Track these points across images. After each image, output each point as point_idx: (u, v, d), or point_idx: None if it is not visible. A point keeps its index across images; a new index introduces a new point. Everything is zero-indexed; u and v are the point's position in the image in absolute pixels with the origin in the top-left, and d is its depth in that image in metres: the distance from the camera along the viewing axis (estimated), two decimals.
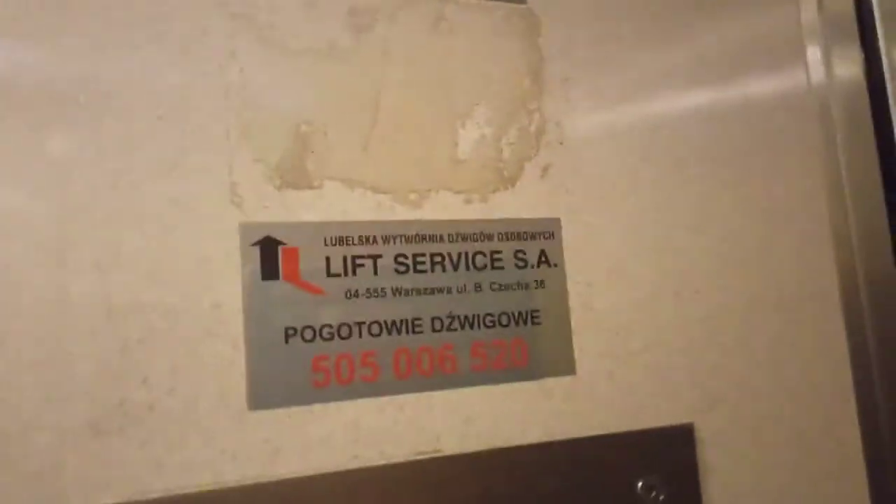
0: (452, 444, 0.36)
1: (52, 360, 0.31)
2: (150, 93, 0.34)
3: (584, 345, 0.38)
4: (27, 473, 0.30)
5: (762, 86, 0.48)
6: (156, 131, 0.33)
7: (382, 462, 0.34)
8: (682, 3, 0.46)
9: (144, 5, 0.34)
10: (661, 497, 0.39)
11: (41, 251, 0.31)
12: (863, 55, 0.57)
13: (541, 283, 0.38)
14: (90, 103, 0.33)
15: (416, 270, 0.36)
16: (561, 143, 0.40)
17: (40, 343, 0.31)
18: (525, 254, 0.38)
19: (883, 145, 0.55)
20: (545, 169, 0.39)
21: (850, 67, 0.56)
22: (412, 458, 0.35)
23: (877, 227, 0.52)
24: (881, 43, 0.58)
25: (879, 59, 0.58)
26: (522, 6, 0.41)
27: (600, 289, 0.39)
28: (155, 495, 0.31)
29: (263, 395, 0.33)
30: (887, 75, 0.57)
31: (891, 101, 0.57)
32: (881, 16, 0.60)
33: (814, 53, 0.53)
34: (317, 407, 0.34)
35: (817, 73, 0.52)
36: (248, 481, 0.32)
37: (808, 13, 0.56)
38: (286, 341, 0.34)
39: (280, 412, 0.33)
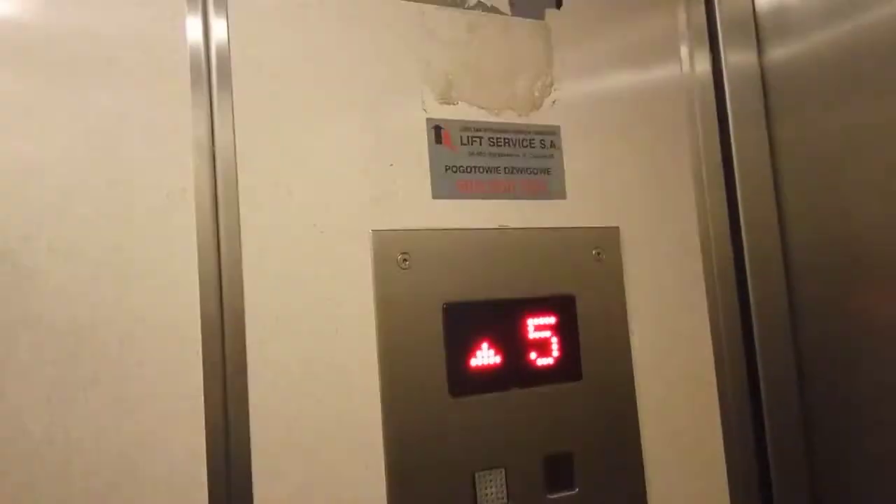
0: (514, 224, 0.80)
1: None
2: None
3: (573, 182, 0.83)
4: None
5: (651, 74, 0.90)
6: None
7: (484, 226, 0.78)
8: (606, 4, 0.87)
9: None
10: (603, 255, 0.84)
11: None
12: (711, 55, 0.91)
13: (551, 154, 0.83)
14: None
15: (497, 144, 0.80)
16: (559, 93, 0.85)
17: None
18: (544, 141, 0.83)
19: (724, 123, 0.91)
20: (553, 102, 0.84)
21: (703, 64, 0.91)
22: (496, 226, 0.79)
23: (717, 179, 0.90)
24: (720, 46, 0.91)
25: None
26: (541, 21, 0.85)
27: (580, 154, 0.84)
28: None
29: (440, 191, 0.76)
30: (724, 70, 0.91)
31: (726, 90, 0.91)
32: (721, 24, 0.91)
33: (683, 52, 0.90)
34: (460, 201, 0.77)
35: (686, 67, 0.90)
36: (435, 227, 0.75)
37: (681, 20, 0.90)
38: (445, 171, 0.77)
39: (447, 200, 0.76)
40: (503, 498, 0.73)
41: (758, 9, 0.92)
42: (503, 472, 0.74)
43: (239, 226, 0.67)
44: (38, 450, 0.59)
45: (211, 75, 0.68)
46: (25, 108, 0.62)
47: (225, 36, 0.69)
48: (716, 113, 0.90)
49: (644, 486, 0.80)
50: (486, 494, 0.72)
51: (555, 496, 0.75)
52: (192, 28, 0.68)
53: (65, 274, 0.61)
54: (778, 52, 0.90)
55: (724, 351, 0.86)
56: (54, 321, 0.60)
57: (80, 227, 0.62)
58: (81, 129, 0.63)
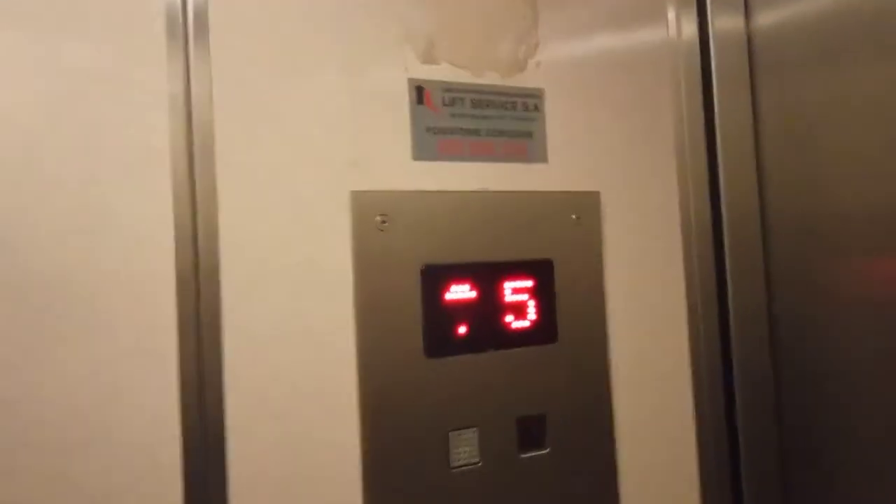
0: (494, 187, 0.79)
1: None
2: None
3: (555, 146, 0.83)
4: None
5: (637, 38, 0.89)
6: None
7: (465, 189, 0.78)
8: None
9: None
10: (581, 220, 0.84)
11: None
12: (698, 19, 0.90)
13: (534, 118, 0.82)
14: None
15: (479, 106, 0.79)
16: (543, 56, 0.83)
17: None
18: (527, 104, 0.82)
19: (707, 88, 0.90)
20: (537, 64, 0.83)
21: (689, 28, 0.90)
22: (476, 189, 0.78)
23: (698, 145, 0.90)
24: (708, 10, 0.90)
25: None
26: None
27: (563, 117, 0.83)
28: None
29: (420, 152, 0.76)
30: (711, 35, 0.90)
31: (712, 55, 0.90)
32: None
33: (671, 16, 0.89)
34: (440, 163, 0.77)
35: (672, 30, 0.89)
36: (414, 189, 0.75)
37: None
38: (426, 132, 0.76)
39: (427, 162, 0.76)
40: (475, 456, 0.75)
41: None
42: (476, 432, 0.75)
43: (215, 184, 0.66)
44: (8, 409, 0.59)
45: (188, 32, 0.66)
46: None
47: None
48: (700, 78, 0.89)
49: (614, 449, 0.82)
50: (459, 453, 0.74)
51: (526, 455, 0.77)
52: None
53: (31, 231, 0.60)
54: (765, 18, 0.90)
55: (699, 318, 0.87)
56: (21, 279, 0.59)
57: (47, 184, 0.61)
58: (49, 83, 0.62)
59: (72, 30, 0.63)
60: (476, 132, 0.78)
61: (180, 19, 0.66)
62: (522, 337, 0.78)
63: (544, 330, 0.79)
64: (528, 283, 0.78)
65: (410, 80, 0.75)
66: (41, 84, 0.61)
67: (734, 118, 0.91)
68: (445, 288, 0.74)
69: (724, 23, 0.91)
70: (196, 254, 0.65)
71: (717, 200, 0.90)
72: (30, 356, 0.60)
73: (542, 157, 0.81)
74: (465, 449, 0.74)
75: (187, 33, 0.67)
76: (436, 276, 0.74)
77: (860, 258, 0.80)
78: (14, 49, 0.61)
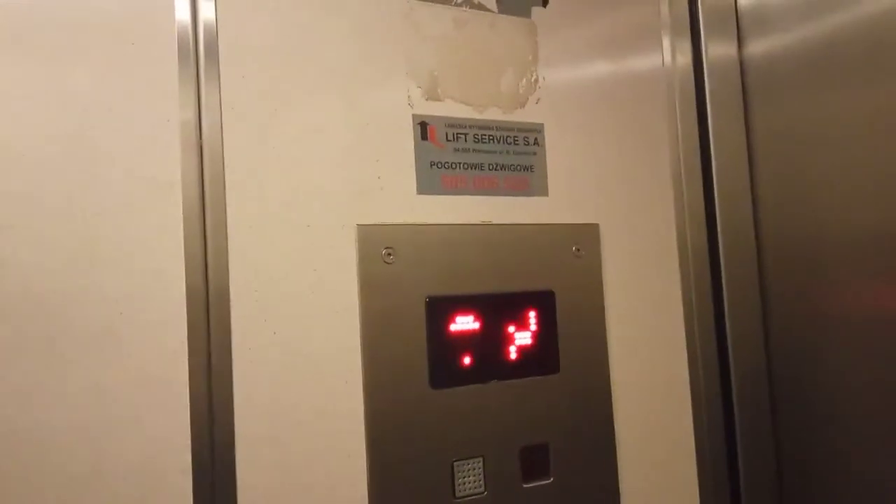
0: (497, 220, 0.81)
1: None
2: None
3: (555, 179, 0.85)
4: None
5: (633, 68, 0.92)
6: None
7: (468, 222, 0.79)
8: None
9: None
10: (582, 252, 0.86)
11: None
12: (692, 48, 0.91)
13: (534, 152, 0.84)
14: None
15: (482, 141, 0.81)
16: (543, 91, 0.86)
17: None
18: (528, 138, 0.84)
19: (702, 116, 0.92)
20: (537, 100, 0.85)
21: (684, 56, 0.91)
22: (479, 222, 0.80)
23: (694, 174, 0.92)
24: (702, 38, 0.92)
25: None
26: (527, 18, 0.86)
27: (563, 151, 0.85)
28: None
29: (424, 186, 0.77)
30: (704, 63, 0.92)
31: (706, 83, 0.92)
32: (703, 16, 0.91)
33: (666, 44, 0.90)
34: (444, 197, 0.79)
35: (668, 58, 0.91)
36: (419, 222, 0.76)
37: (664, 12, 0.90)
38: (430, 167, 0.78)
39: (431, 196, 0.78)
40: (481, 486, 0.75)
41: (739, 1, 0.93)
42: (481, 462, 0.76)
43: (225, 214, 0.68)
44: (17, 437, 0.59)
45: (199, 59, 0.68)
46: None
47: (213, 20, 0.69)
48: (695, 105, 0.91)
49: (616, 477, 0.82)
50: (464, 483, 0.75)
51: (530, 485, 0.78)
52: (181, 9, 0.68)
53: (40, 260, 0.61)
54: (757, 45, 0.91)
55: (698, 347, 0.89)
56: (31, 309, 0.60)
57: (56, 213, 0.62)
58: (59, 112, 0.63)
59: (81, 60, 0.64)
60: (479, 167, 0.80)
61: (191, 46, 0.68)
62: (525, 367, 0.79)
63: (546, 360, 0.80)
64: (531, 315, 0.79)
65: (415, 116, 0.77)
66: (50, 115, 0.63)
67: (729, 144, 0.92)
68: (450, 319, 0.75)
69: (718, 50, 0.93)
70: (206, 283, 0.67)
71: (714, 226, 0.92)
72: (39, 385, 0.60)
73: (542, 191, 0.83)
74: (470, 479, 0.75)
75: (198, 61, 0.68)
76: (440, 308, 0.75)
77: (856, 281, 0.80)
78: (23, 80, 0.62)
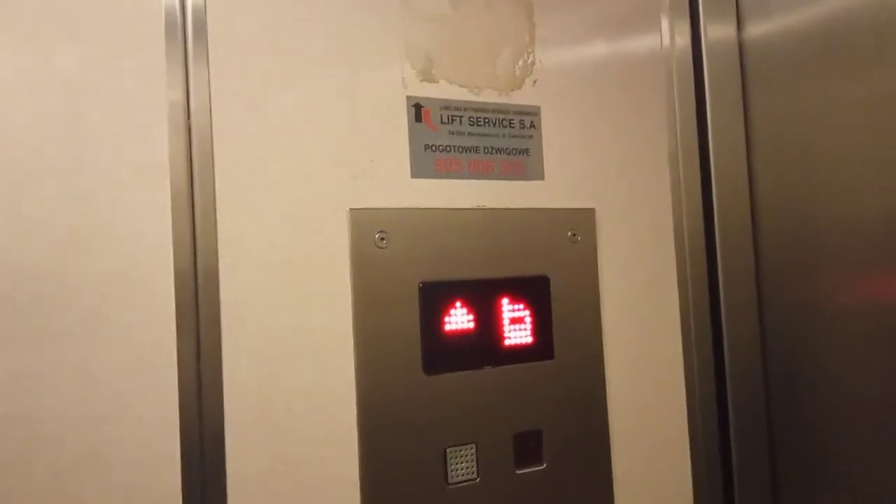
0: (492, 204, 0.80)
1: None
2: None
3: (551, 163, 0.83)
4: None
5: (631, 50, 0.91)
6: None
7: (462, 206, 0.78)
8: None
9: None
10: (578, 237, 0.85)
11: None
12: (691, 29, 0.90)
13: (530, 135, 0.83)
14: None
15: (477, 124, 0.80)
16: (540, 73, 0.84)
17: None
18: (524, 121, 0.83)
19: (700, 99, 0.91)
20: (534, 81, 0.84)
21: (683, 37, 0.90)
22: (474, 206, 0.79)
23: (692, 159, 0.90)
24: (701, 20, 0.90)
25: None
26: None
27: (559, 134, 0.84)
28: None
29: (418, 170, 0.76)
30: (703, 45, 0.90)
31: (705, 65, 0.91)
32: None
33: (664, 25, 0.89)
34: (438, 181, 0.77)
35: (666, 40, 0.89)
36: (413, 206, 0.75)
37: None
38: (424, 150, 0.77)
39: (425, 180, 0.76)
40: (473, 472, 0.75)
41: None
42: (474, 448, 0.75)
43: (214, 197, 0.66)
44: (6, 424, 0.59)
45: (187, 39, 0.67)
46: None
47: (202, 3, 0.67)
48: (693, 87, 0.90)
49: (609, 464, 0.82)
50: (457, 469, 0.74)
51: (523, 471, 0.77)
52: None
53: (28, 245, 0.60)
54: (757, 28, 0.90)
55: (693, 332, 0.88)
56: (18, 293, 0.59)
57: (44, 197, 0.61)
58: (46, 94, 0.62)
59: (68, 40, 0.62)
60: (474, 150, 0.79)
61: (179, 25, 0.66)
62: (519, 353, 0.78)
63: (540, 346, 0.79)
64: (525, 300, 0.78)
65: (409, 98, 0.76)
66: (37, 96, 0.61)
67: (727, 128, 0.91)
68: (443, 305, 0.75)
69: (717, 33, 0.91)
70: (195, 268, 0.66)
71: (711, 211, 0.91)
72: (27, 371, 0.59)
73: (538, 175, 0.82)
74: (463, 465, 0.74)
75: (186, 40, 0.67)
76: (434, 293, 0.74)
77: (854, 268, 0.80)
78: (9, 62, 0.61)
